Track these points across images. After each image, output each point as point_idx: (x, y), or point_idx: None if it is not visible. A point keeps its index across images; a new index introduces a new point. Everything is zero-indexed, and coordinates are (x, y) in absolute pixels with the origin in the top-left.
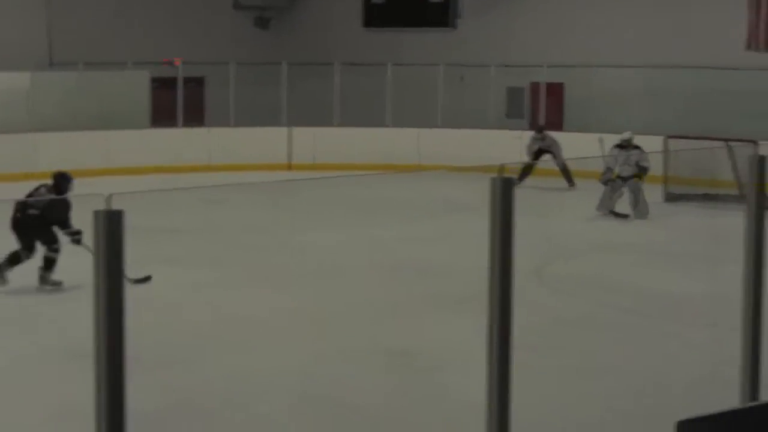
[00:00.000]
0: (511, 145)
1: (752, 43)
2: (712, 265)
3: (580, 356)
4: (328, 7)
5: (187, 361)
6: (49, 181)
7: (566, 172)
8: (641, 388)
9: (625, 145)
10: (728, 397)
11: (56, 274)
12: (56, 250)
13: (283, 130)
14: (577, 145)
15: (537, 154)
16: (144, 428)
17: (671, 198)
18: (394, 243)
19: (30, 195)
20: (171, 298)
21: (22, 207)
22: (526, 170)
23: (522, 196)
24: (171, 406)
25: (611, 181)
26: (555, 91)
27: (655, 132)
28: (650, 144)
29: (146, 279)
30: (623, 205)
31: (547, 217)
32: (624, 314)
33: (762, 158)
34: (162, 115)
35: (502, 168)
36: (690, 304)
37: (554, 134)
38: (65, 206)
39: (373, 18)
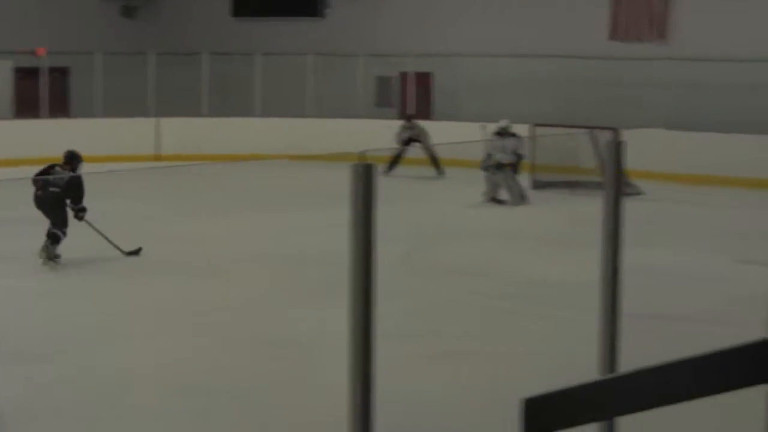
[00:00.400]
0: (381, 134)
1: (615, 33)
2: (575, 249)
3: (445, 342)
4: None
5: (62, 353)
6: (61, 161)
7: (435, 161)
8: (503, 372)
9: (502, 133)
10: (586, 378)
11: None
12: (64, 232)
13: (150, 121)
14: (446, 134)
15: (406, 143)
16: (11, 423)
17: (538, 185)
18: (266, 232)
19: (44, 173)
20: (45, 290)
21: (43, 185)
22: (396, 159)
23: (391, 184)
24: (40, 399)
25: (491, 167)
26: (423, 80)
27: (522, 120)
28: (517, 132)
29: (137, 251)
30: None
31: (417, 205)
32: (490, 299)
33: (619, 143)
34: (26, 106)
35: (363, 155)
36: (554, 288)
37: (423, 123)
38: (80, 185)
39: (242, 7)
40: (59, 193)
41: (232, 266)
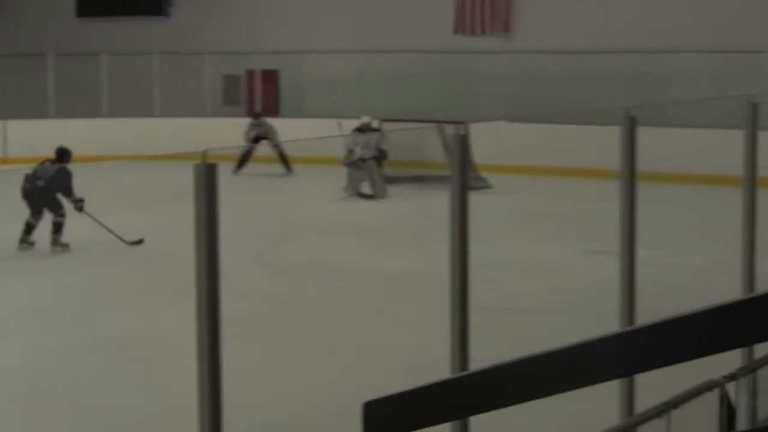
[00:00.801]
0: (229, 133)
1: (459, 28)
2: (424, 244)
3: (297, 339)
4: None
5: None
6: (52, 157)
7: (284, 158)
8: (352, 368)
9: (364, 129)
10: (439, 376)
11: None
12: (62, 215)
13: None
14: (294, 131)
15: (255, 141)
16: None
17: (388, 180)
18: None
19: (35, 169)
20: None
21: (30, 179)
22: (245, 157)
23: (241, 183)
24: None
25: (353, 163)
26: (270, 77)
27: (369, 115)
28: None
29: (140, 241)
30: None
31: (268, 203)
32: (339, 295)
33: (464, 136)
34: None
35: (204, 154)
36: (403, 282)
37: (271, 120)
38: (67, 177)
39: (86, 7)
40: (44, 187)
41: (73, 264)
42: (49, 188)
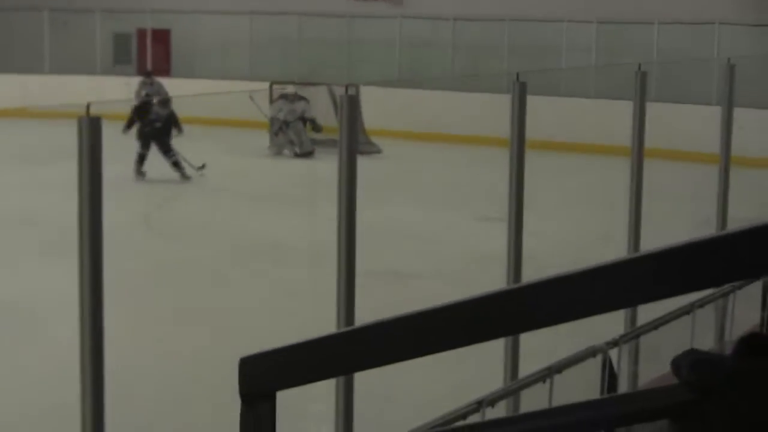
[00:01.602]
0: (120, 92)
1: None
2: (311, 209)
3: (180, 301)
4: None
5: None
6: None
7: (174, 119)
8: (231, 329)
9: (290, 97)
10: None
11: None
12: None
13: None
14: (185, 91)
15: (145, 100)
16: None
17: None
18: None
19: (142, 109)
20: None
21: (149, 122)
22: (134, 118)
23: (129, 143)
24: None
25: (279, 129)
26: (162, 37)
27: (261, 78)
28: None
29: (202, 167)
30: None
31: (154, 164)
32: (224, 259)
33: (353, 97)
34: None
35: (88, 108)
36: (288, 248)
37: (161, 80)
38: (176, 117)
39: None
40: (161, 127)
41: None
42: (163, 129)
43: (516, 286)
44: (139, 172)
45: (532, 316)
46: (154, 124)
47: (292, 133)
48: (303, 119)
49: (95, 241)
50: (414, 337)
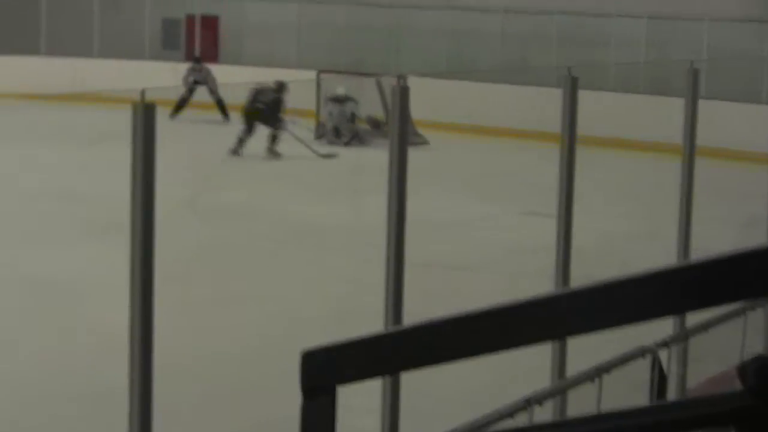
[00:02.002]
0: (168, 77)
1: None
2: (358, 197)
3: (226, 286)
4: None
5: None
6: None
7: (221, 105)
8: (283, 316)
9: (340, 98)
10: (370, 327)
11: None
12: (280, 128)
13: None
14: (232, 78)
15: (193, 86)
16: None
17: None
18: (37, 170)
19: (258, 91)
20: None
21: (252, 100)
22: (182, 102)
23: (177, 128)
24: None
25: (323, 136)
26: (210, 23)
27: (307, 66)
28: (303, 78)
29: (332, 156)
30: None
31: (202, 149)
32: (270, 244)
33: (405, 89)
34: None
35: (143, 95)
36: (335, 234)
37: (210, 66)
38: (280, 103)
39: None
40: (264, 108)
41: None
42: (266, 110)
43: (567, 290)
44: (236, 152)
45: (583, 321)
46: (258, 106)
47: (343, 132)
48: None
49: (147, 226)
50: (472, 337)
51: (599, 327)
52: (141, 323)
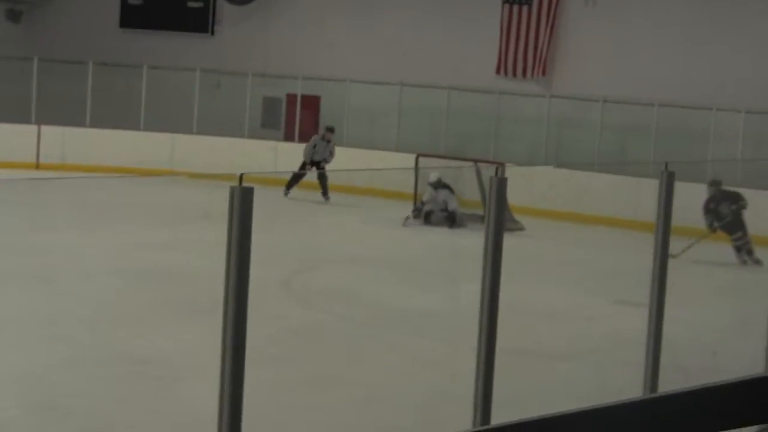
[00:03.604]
0: (266, 155)
1: (501, 68)
2: (452, 282)
3: (316, 368)
4: (83, 3)
5: None
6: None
7: (324, 184)
8: (375, 403)
9: (437, 186)
10: (460, 416)
11: None
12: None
13: (32, 128)
14: (334, 160)
15: (314, 162)
16: None
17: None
18: (137, 248)
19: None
20: None
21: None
22: (296, 179)
23: (278, 205)
24: None
25: (416, 217)
26: (311, 103)
27: (407, 150)
28: (401, 161)
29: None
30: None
31: (300, 228)
32: (362, 328)
33: (503, 179)
34: None
35: (241, 178)
36: (427, 320)
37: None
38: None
39: (130, 18)
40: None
41: (97, 281)
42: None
43: (661, 394)
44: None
45: (673, 425)
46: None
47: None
48: (445, 210)
49: (240, 307)
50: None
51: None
52: (230, 405)
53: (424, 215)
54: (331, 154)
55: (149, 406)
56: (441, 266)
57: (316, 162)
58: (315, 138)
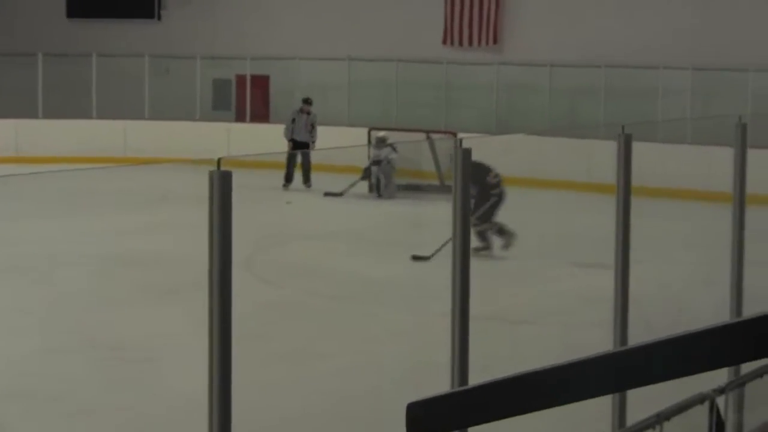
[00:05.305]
0: (219, 137)
1: (447, 39)
2: (414, 251)
3: (291, 343)
4: None
5: None
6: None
7: (307, 169)
8: (354, 371)
9: (378, 143)
10: (439, 380)
11: None
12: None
13: None
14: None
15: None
16: None
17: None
18: (103, 234)
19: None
20: None
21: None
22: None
23: (240, 189)
24: None
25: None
26: (261, 83)
27: (359, 124)
28: (354, 135)
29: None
30: None
31: (260, 206)
32: (329, 300)
33: (468, 150)
34: None
35: (219, 162)
36: (392, 288)
37: (260, 126)
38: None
39: (77, 8)
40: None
41: (65, 269)
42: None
43: (630, 347)
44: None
45: (643, 374)
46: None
47: (380, 174)
48: (389, 161)
49: (224, 289)
50: (546, 390)
51: (658, 380)
52: (220, 382)
53: (364, 171)
54: (314, 127)
55: (131, 389)
56: (402, 236)
57: (300, 143)
58: (292, 112)
